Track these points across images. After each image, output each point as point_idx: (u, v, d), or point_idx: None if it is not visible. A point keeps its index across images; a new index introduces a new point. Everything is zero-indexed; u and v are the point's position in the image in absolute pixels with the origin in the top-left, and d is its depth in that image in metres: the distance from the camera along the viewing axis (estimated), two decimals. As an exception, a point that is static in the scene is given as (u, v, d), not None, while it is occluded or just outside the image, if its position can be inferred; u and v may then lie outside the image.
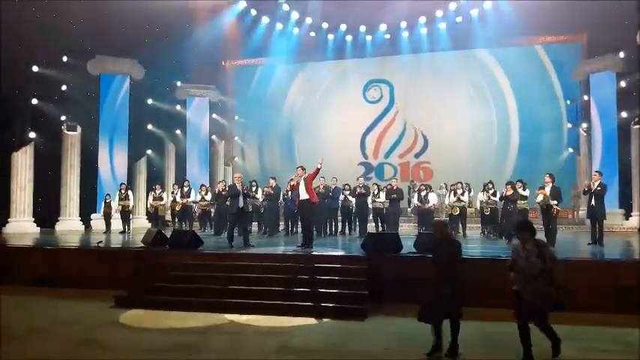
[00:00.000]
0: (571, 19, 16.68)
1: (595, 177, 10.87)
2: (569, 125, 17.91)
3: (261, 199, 14.18)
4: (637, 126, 15.09)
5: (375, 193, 13.59)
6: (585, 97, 17.28)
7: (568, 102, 17.35)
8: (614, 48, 15.69)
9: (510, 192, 11.44)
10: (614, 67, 15.86)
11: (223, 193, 13.42)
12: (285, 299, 7.66)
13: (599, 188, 10.59)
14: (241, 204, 10.59)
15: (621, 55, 15.48)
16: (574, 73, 17.62)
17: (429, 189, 14.13)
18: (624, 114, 15.41)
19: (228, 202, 11.37)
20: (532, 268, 5.17)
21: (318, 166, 10.06)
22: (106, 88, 17.22)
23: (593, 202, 10.66)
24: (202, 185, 15.63)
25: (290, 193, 14.08)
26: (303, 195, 10.23)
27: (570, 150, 18.22)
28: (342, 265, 8.60)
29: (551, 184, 10.86)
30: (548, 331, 5.30)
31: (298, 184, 10.36)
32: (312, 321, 7.15)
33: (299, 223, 14.48)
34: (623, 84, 15.46)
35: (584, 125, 17.32)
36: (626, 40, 14.85)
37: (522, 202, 12.02)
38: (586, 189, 11.04)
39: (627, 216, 15.28)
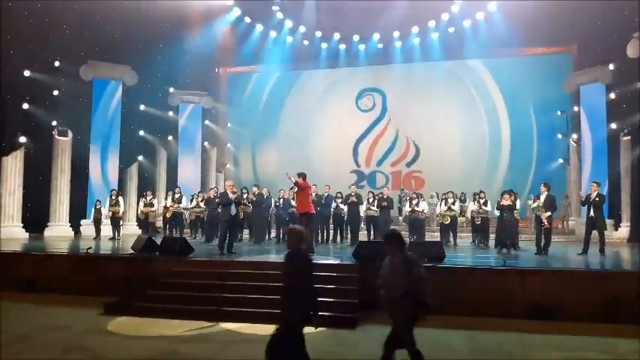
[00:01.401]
0: (562, 31, 16.91)
1: (593, 187, 10.88)
2: (560, 136, 18.06)
3: (251, 207, 14.22)
4: (626, 137, 15.24)
5: (370, 201, 13.63)
6: (575, 108, 17.46)
7: (558, 113, 17.50)
8: (604, 60, 15.87)
9: (507, 201, 11.47)
10: (603, 78, 16.04)
11: (216, 200, 13.39)
12: (275, 307, 7.61)
13: (597, 199, 10.63)
14: (234, 212, 10.58)
15: (611, 67, 15.66)
16: (564, 84, 17.80)
17: (420, 197, 14.18)
18: (613, 125, 15.56)
19: (219, 210, 11.32)
20: (396, 288, 4.50)
21: (291, 180, 10.25)
22: (98, 94, 17.16)
23: (592, 213, 10.67)
24: (199, 192, 15.60)
25: (282, 200, 14.17)
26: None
27: (560, 160, 18.36)
28: (333, 273, 8.58)
29: (546, 193, 10.92)
30: (416, 356, 4.50)
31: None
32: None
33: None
34: (612, 95, 15.64)
35: (574, 136, 17.48)
36: (615, 52, 15.05)
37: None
38: (583, 200, 11.05)
39: (616, 226, 15.39)
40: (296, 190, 10.53)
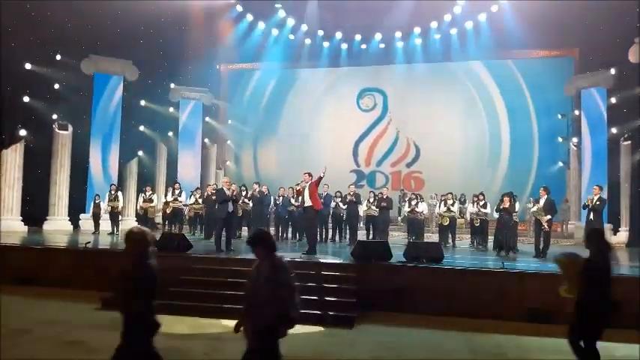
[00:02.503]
0: (564, 35, 16.88)
1: (595, 191, 10.77)
2: (560, 139, 18.08)
3: (251, 204, 14.21)
4: (626, 142, 15.24)
5: (371, 200, 13.63)
6: (576, 112, 17.46)
7: (559, 116, 17.52)
8: (605, 64, 15.87)
9: (507, 204, 11.48)
10: (605, 83, 16.04)
11: (213, 197, 13.39)
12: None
13: (598, 203, 10.55)
14: (231, 209, 10.52)
15: (612, 71, 15.65)
16: (565, 87, 17.79)
17: (420, 198, 14.20)
18: (614, 130, 15.56)
19: (216, 207, 11.29)
20: (258, 296, 3.91)
21: (321, 175, 10.13)
22: (99, 88, 17.11)
23: (591, 217, 10.58)
24: (197, 188, 15.59)
25: (281, 198, 14.16)
26: (307, 202, 10.23)
27: (560, 164, 18.37)
28: (331, 272, 8.59)
29: (545, 197, 10.91)
30: None
31: (303, 189, 10.35)
32: (300, 328, 7.10)
33: (289, 228, 14.53)
34: (613, 100, 15.63)
35: (575, 139, 17.48)
36: (617, 56, 15.03)
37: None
38: (585, 204, 10.97)
39: (615, 231, 15.39)
40: (310, 184, 10.33)
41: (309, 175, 10.40)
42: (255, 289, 3.95)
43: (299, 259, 9.29)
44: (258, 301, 3.89)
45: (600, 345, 6.51)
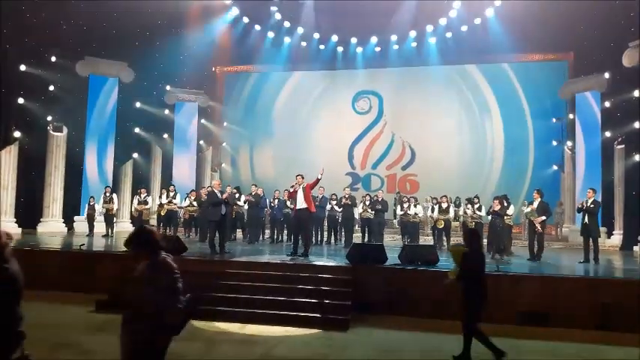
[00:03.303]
0: (559, 39, 16.98)
1: (589, 194, 10.80)
2: (555, 143, 18.16)
3: (246, 207, 14.18)
4: (620, 146, 15.32)
5: (367, 203, 13.63)
6: (571, 116, 17.55)
7: (554, 120, 17.60)
8: (599, 68, 15.97)
9: (498, 207, 11.51)
10: (599, 87, 16.14)
11: (200, 199, 13.38)
12: (268, 308, 7.63)
13: (592, 205, 10.58)
14: (223, 211, 10.44)
15: (606, 75, 15.74)
16: (560, 91, 17.89)
17: (415, 201, 14.22)
18: (608, 133, 15.65)
19: (209, 209, 11.22)
20: (136, 301, 3.43)
21: (319, 177, 10.07)
22: (94, 90, 17.10)
23: (586, 220, 10.61)
24: (192, 190, 15.57)
25: (277, 200, 14.15)
26: (301, 204, 10.16)
27: (555, 167, 18.45)
28: (326, 274, 8.59)
29: (539, 200, 10.94)
30: None
31: (296, 192, 10.30)
32: (295, 330, 7.12)
33: (284, 231, 14.51)
34: (607, 104, 15.72)
35: (569, 143, 17.57)
36: (611, 60, 15.13)
37: (506, 217, 12.12)
38: (579, 206, 11.03)
39: (609, 234, 15.46)
40: (305, 186, 10.28)
41: (302, 177, 10.36)
42: (135, 295, 3.46)
43: (293, 262, 9.29)
44: (137, 306, 3.39)
45: (597, 347, 6.55)
